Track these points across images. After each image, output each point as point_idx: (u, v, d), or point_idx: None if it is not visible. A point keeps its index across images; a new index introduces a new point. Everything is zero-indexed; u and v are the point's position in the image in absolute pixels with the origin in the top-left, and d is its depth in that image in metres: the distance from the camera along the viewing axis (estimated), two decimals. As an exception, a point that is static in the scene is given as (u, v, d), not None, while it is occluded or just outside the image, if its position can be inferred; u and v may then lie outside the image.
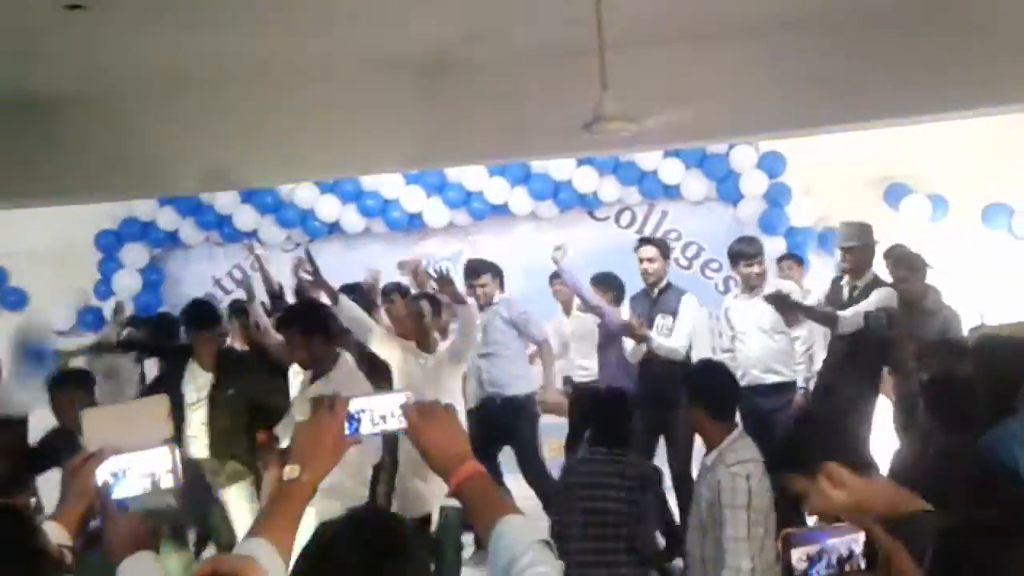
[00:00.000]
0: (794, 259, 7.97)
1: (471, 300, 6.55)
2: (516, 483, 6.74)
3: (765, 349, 6.56)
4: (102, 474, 1.92)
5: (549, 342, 7.17)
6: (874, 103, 5.89)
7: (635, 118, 4.89)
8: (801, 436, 2.78)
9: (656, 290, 6.68)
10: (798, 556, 1.65)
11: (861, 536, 1.68)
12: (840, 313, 6.11)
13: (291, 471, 1.86)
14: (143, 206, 9.66)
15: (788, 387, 6.53)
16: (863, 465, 2.50)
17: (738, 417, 4.32)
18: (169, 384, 5.84)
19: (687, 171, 9.04)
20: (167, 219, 9.73)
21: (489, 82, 5.68)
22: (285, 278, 7.45)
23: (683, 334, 6.45)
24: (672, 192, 9.23)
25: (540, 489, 6.71)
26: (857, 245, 6.32)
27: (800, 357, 6.56)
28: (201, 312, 6.20)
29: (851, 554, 1.67)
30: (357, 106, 5.89)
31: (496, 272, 7.02)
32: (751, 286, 6.64)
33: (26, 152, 6.07)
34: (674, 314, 6.51)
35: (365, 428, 1.94)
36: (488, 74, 5.64)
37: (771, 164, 8.90)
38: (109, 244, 9.77)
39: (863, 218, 6.53)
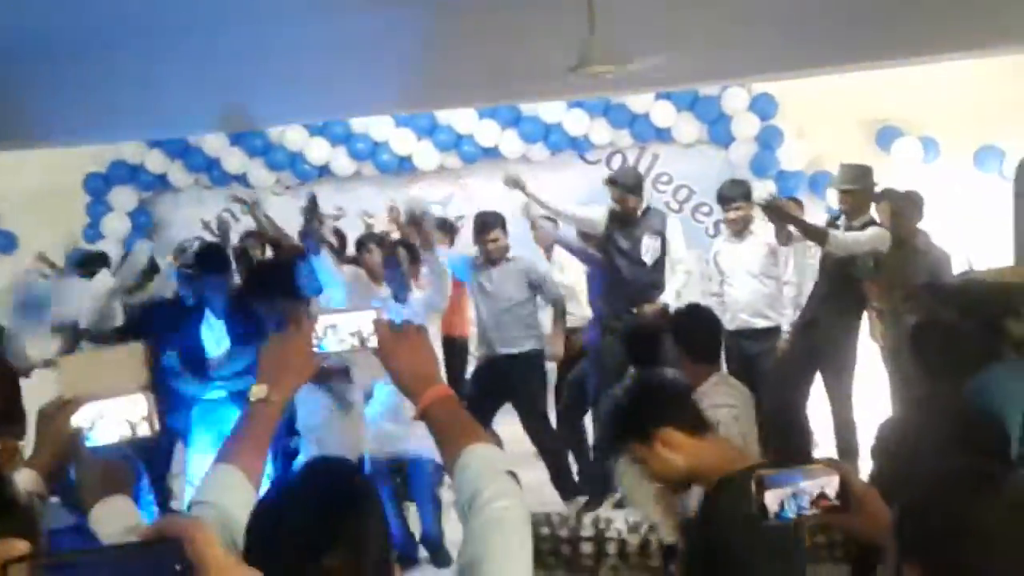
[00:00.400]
0: (794, 201, 7.81)
1: (481, 250, 6.63)
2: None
3: (754, 293, 6.59)
4: (77, 421, 1.88)
5: (564, 299, 7.02)
6: (867, 45, 5.85)
7: (622, 61, 4.85)
8: (633, 404, 2.71)
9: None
10: (772, 497, 1.67)
11: (835, 479, 1.70)
12: (832, 231, 6.08)
13: (258, 391, 1.80)
14: (132, 149, 9.60)
15: (775, 332, 6.57)
16: (699, 426, 2.52)
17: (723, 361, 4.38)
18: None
19: (678, 114, 8.99)
20: (156, 162, 9.66)
21: (480, 23, 5.61)
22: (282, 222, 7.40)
23: (680, 260, 6.61)
24: (663, 135, 9.18)
25: (546, 448, 6.64)
26: (856, 188, 6.28)
27: (788, 302, 6.57)
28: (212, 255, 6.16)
29: (824, 495, 1.69)
30: (346, 48, 5.82)
31: (504, 224, 6.75)
32: (736, 230, 6.65)
33: (14, 95, 6.01)
34: (660, 235, 6.54)
35: (333, 345, 1.86)
36: (478, 15, 5.56)
37: (763, 106, 8.85)
38: (98, 187, 9.72)
39: (855, 161, 6.50)
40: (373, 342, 1.85)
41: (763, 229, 6.58)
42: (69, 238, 9.51)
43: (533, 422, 6.68)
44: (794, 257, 6.61)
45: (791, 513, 1.67)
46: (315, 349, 1.86)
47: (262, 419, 1.80)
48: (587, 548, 5.63)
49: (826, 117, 8.58)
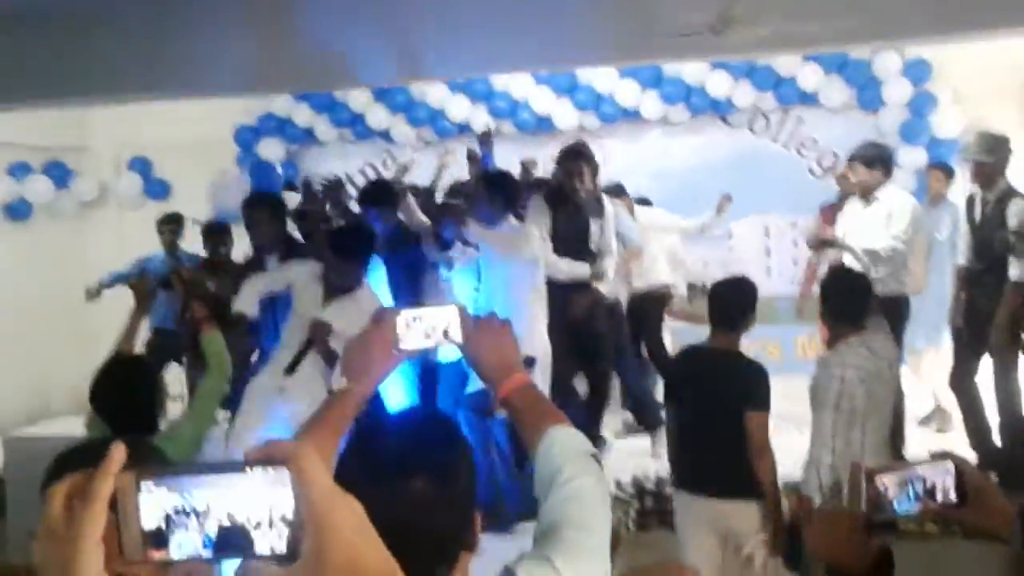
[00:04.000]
0: (941, 169, 7.43)
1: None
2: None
3: (858, 260, 6.31)
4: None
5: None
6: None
7: (764, 22, 4.72)
8: None
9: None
10: (882, 486, 1.61)
11: (951, 474, 1.63)
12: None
13: (342, 384, 1.86)
14: (280, 103, 9.88)
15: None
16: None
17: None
18: None
19: (826, 77, 8.73)
20: (303, 116, 9.93)
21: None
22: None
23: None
24: (809, 99, 8.93)
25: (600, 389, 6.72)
26: (990, 160, 6.01)
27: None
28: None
29: (938, 490, 1.62)
30: (487, 5, 5.84)
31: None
32: (860, 194, 6.34)
33: (168, 45, 6.24)
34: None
35: (415, 342, 1.88)
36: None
37: (916, 71, 8.51)
38: (247, 139, 10.04)
39: (1014, 129, 6.22)
40: (456, 336, 1.87)
41: (888, 196, 6.21)
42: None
43: (601, 362, 6.74)
44: (908, 224, 6.15)
45: (902, 510, 1.62)
46: (398, 346, 1.88)
47: (342, 408, 1.83)
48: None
49: (983, 83, 8.20)
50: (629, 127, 9.39)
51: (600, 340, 6.32)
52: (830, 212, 6.90)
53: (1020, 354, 5.93)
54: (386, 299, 5.74)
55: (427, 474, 1.43)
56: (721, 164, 8.79)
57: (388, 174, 9.23)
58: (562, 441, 1.72)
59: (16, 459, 6.52)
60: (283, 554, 0.83)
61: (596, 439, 6.12)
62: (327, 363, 4.91)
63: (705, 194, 7.67)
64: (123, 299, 4.81)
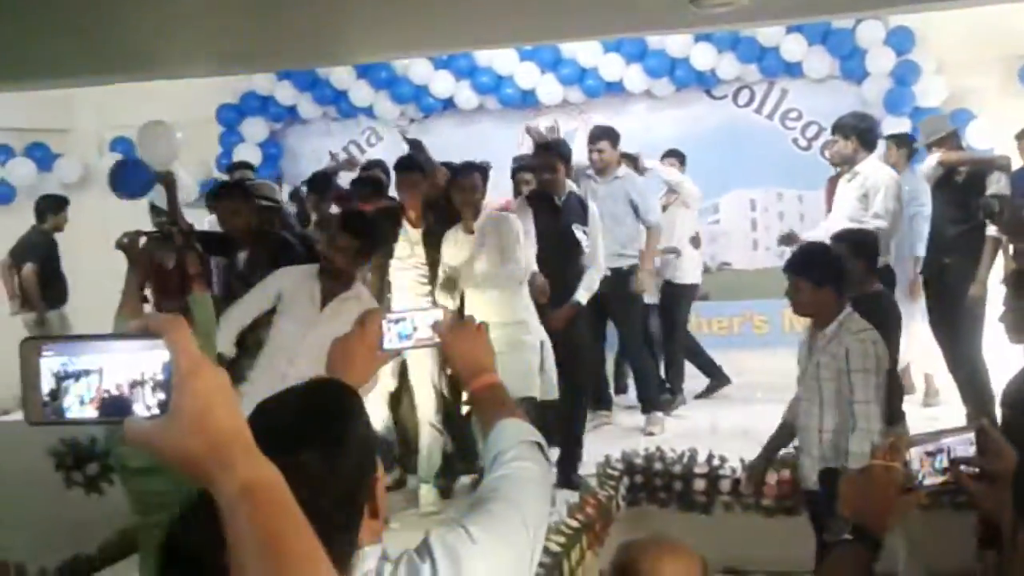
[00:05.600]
0: (896, 140, 7.16)
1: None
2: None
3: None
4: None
5: (660, 226, 7.09)
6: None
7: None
8: None
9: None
10: (913, 456, 1.64)
11: (971, 435, 1.65)
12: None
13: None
14: (262, 80, 9.83)
15: None
16: None
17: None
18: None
19: (810, 47, 8.73)
20: (285, 94, 9.89)
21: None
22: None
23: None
24: (794, 70, 8.94)
25: (639, 362, 6.99)
26: (943, 136, 6.23)
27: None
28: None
29: (962, 459, 1.64)
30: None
31: (615, 139, 6.90)
32: (837, 163, 6.46)
33: (148, 26, 6.20)
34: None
35: (398, 343, 1.99)
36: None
37: (900, 40, 8.52)
38: (230, 118, 10.01)
39: (996, 98, 6.29)
40: (437, 338, 1.99)
41: (866, 170, 6.14)
42: (202, 167, 9.83)
43: (631, 336, 6.98)
44: (884, 199, 6.07)
45: (927, 482, 1.64)
46: (382, 346, 1.96)
47: None
48: (700, 484, 5.63)
49: (966, 52, 8.21)
50: (614, 101, 9.38)
51: (579, 352, 6.01)
52: (831, 185, 6.89)
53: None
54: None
55: (313, 446, 1.47)
56: (706, 137, 8.78)
57: (373, 152, 9.22)
58: (511, 428, 1.80)
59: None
60: (157, 413, 0.95)
61: (575, 453, 5.87)
62: None
63: (691, 167, 7.66)
64: (107, 277, 4.74)
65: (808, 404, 4.16)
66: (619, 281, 6.70)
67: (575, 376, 5.86)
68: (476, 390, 1.93)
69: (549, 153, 6.08)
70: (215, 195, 5.84)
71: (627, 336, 7.05)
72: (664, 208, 7.33)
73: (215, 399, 0.97)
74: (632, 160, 7.07)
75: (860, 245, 4.78)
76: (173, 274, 4.65)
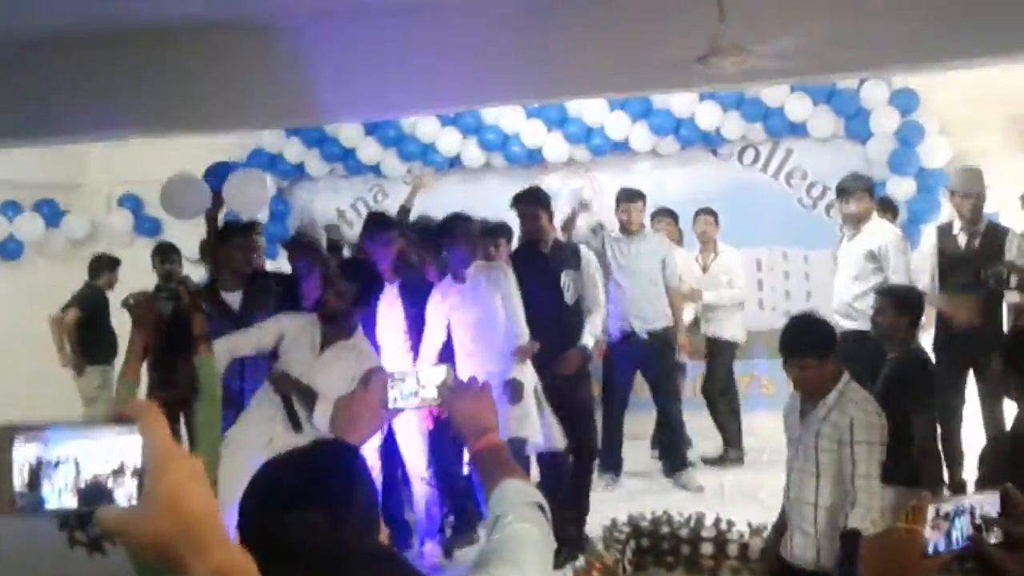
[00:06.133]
0: (881, 203, 7.38)
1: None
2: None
3: (842, 295, 6.43)
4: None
5: (682, 286, 7.37)
6: (1015, 36, 5.58)
7: (752, 51, 4.73)
8: None
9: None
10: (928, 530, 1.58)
11: (996, 499, 1.60)
12: None
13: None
14: (271, 137, 9.89)
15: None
16: None
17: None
18: None
19: (814, 107, 8.77)
20: (293, 151, 9.94)
21: (610, 12, 5.58)
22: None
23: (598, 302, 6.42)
24: (798, 129, 8.98)
25: (673, 423, 7.21)
26: (981, 193, 6.16)
27: None
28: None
29: (985, 523, 1.58)
30: (477, 38, 5.87)
31: (645, 200, 7.21)
32: (846, 225, 6.52)
33: (160, 84, 6.26)
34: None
35: (402, 401, 2.02)
36: (609, 3, 5.54)
37: (904, 101, 8.56)
38: (238, 175, 10.04)
39: (1000, 160, 6.32)
40: (440, 397, 2.03)
41: (873, 229, 6.38)
42: (210, 224, 9.86)
43: (667, 399, 7.13)
44: (895, 256, 6.27)
45: (944, 547, 1.59)
46: (386, 405, 2.01)
47: None
48: (707, 549, 5.56)
49: (970, 113, 8.25)
50: (619, 159, 9.42)
51: (583, 405, 6.04)
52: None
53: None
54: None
55: (318, 504, 1.50)
56: (711, 196, 8.79)
57: (379, 208, 9.23)
58: (512, 489, 1.83)
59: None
60: (136, 501, 0.96)
61: (581, 517, 5.91)
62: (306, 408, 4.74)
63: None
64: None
65: (802, 476, 3.94)
66: (660, 342, 7.03)
67: (581, 430, 5.87)
68: (478, 451, 1.94)
69: (527, 202, 6.10)
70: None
71: (665, 396, 7.19)
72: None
73: (188, 485, 0.98)
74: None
75: (905, 301, 4.71)
76: (177, 334, 4.62)
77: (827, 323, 4.13)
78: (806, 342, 3.91)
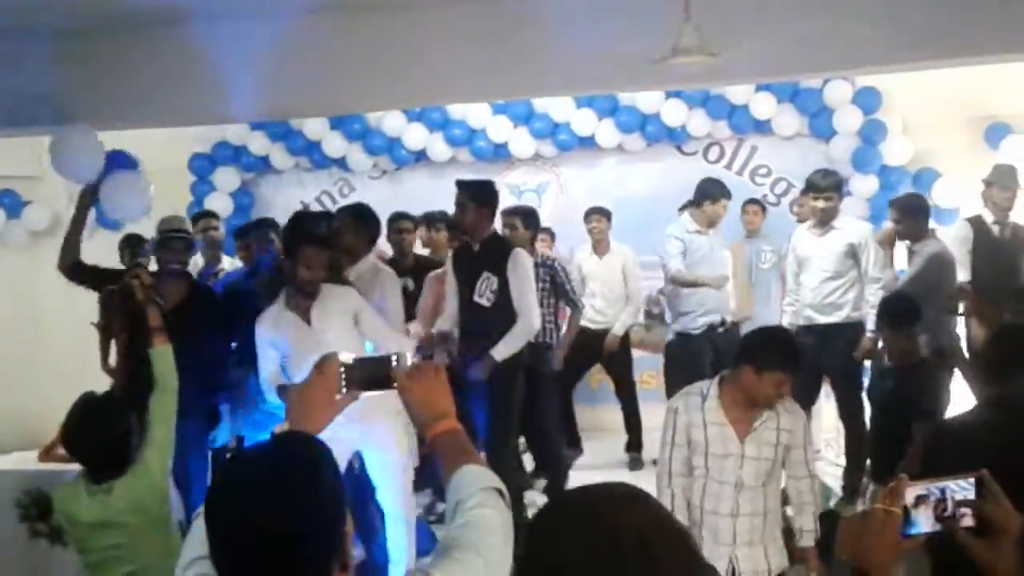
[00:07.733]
0: (757, 204, 8.42)
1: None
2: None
3: (820, 289, 6.60)
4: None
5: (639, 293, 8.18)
6: (977, 38, 5.65)
7: (716, 51, 4.75)
8: None
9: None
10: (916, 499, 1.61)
11: (972, 480, 1.62)
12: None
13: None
14: (235, 131, 9.82)
15: (843, 328, 6.52)
16: None
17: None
18: None
19: (779, 105, 8.84)
20: (258, 144, 9.87)
21: (577, 10, 5.60)
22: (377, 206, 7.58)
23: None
24: (763, 127, 9.05)
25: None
26: (1014, 186, 6.59)
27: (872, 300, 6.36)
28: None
29: (963, 504, 1.61)
30: (443, 34, 5.87)
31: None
32: (820, 221, 6.60)
33: (122, 75, 6.20)
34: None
35: (356, 388, 2.01)
36: (576, 1, 5.56)
37: (867, 100, 8.66)
38: (202, 167, 9.97)
39: (962, 159, 6.45)
40: (395, 381, 2.00)
41: (846, 225, 6.62)
42: (173, 217, 9.77)
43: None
44: (875, 254, 6.53)
45: (916, 529, 1.61)
46: (340, 391, 1.99)
47: None
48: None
49: (932, 113, 8.37)
50: (585, 155, 9.45)
51: (498, 411, 5.74)
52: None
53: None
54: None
55: (285, 500, 1.50)
56: (677, 192, 8.81)
57: (344, 201, 9.20)
58: (472, 475, 1.83)
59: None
60: None
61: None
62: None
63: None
64: (73, 324, 4.70)
65: (746, 489, 3.74)
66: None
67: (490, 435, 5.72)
68: (435, 436, 1.93)
69: (460, 190, 5.83)
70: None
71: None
72: None
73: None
74: None
75: (902, 316, 4.74)
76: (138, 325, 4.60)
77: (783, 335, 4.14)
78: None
